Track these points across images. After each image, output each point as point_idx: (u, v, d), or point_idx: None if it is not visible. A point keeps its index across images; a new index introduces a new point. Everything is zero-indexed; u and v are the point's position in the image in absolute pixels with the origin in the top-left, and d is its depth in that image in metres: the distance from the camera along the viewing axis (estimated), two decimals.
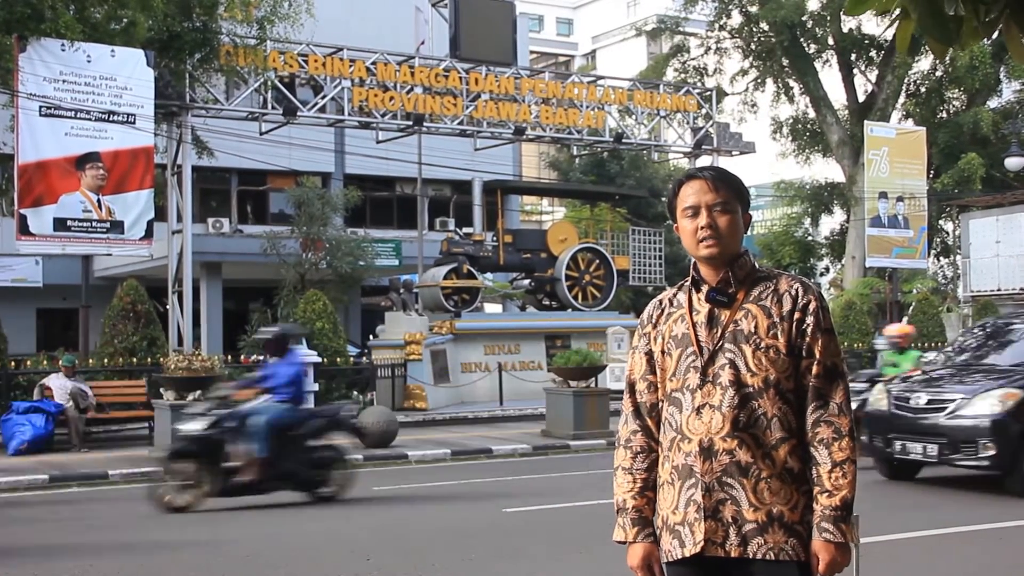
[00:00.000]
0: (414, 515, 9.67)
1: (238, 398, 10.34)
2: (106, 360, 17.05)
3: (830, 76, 32.46)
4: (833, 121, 31.37)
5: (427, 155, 24.65)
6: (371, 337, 25.70)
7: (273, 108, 21.66)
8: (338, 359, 19.06)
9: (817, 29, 31.23)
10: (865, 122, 28.44)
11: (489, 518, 9.36)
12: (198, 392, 13.61)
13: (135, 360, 17.06)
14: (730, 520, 2.79)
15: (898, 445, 10.41)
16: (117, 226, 18.22)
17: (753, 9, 31.02)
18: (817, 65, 31.93)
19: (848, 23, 31.56)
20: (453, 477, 12.34)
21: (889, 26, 26.56)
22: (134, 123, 18.31)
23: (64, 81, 17.72)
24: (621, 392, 3.25)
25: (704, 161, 26.87)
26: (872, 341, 22.71)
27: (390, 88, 22.66)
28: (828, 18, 30.65)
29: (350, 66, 22.13)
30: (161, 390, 14.15)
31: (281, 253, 23.79)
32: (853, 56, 32.10)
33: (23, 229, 17.59)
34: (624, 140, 26.07)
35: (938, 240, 34.86)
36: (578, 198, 35.22)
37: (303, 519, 9.59)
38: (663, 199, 29.43)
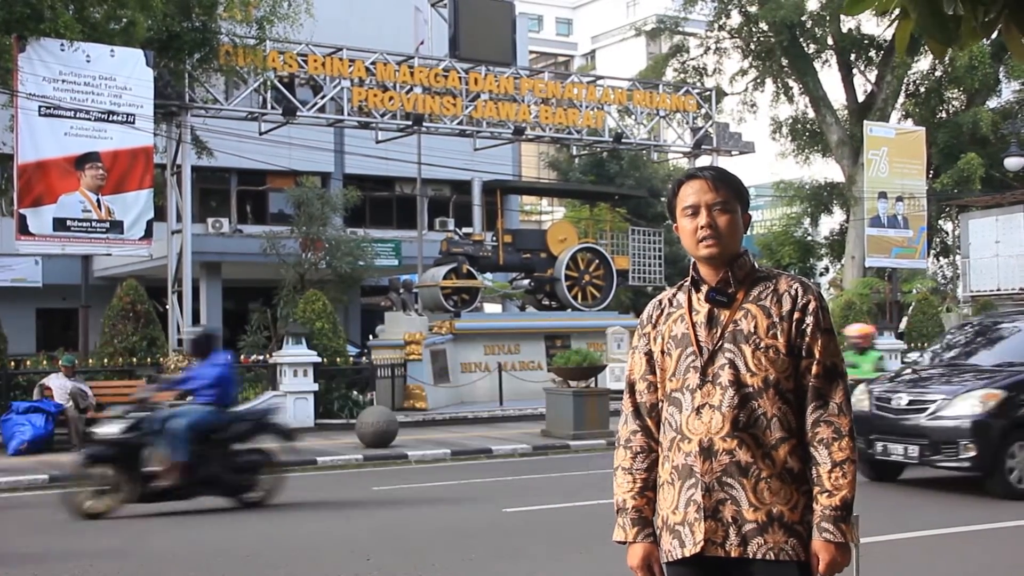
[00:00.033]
0: (414, 515, 9.67)
1: (157, 400, 10.03)
2: (106, 360, 17.05)
3: (830, 76, 32.45)
4: (832, 121, 31.36)
5: (427, 155, 24.65)
6: (371, 337, 25.72)
7: (273, 108, 21.67)
8: (338, 359, 19.06)
9: (816, 29, 31.21)
10: (864, 122, 28.44)
11: (489, 518, 9.37)
12: None
13: (135, 360, 17.06)
14: (730, 520, 2.79)
15: (879, 446, 10.36)
16: (117, 226, 18.22)
17: (752, 9, 31.00)
18: (817, 65, 31.91)
19: (847, 23, 31.55)
20: (453, 477, 12.34)
21: (888, 26, 26.57)
22: (133, 123, 18.31)
23: (63, 81, 17.72)
24: (621, 392, 3.26)
25: (703, 161, 26.88)
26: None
27: (390, 88, 22.66)
28: (827, 18, 30.64)
29: (350, 66, 22.14)
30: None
31: (281, 253, 23.79)
32: (852, 56, 32.09)
33: (23, 229, 17.60)
34: (623, 140, 26.09)
35: (938, 240, 34.85)
36: (578, 198, 35.22)
37: (303, 519, 9.59)
38: (662, 199, 29.42)
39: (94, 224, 18.03)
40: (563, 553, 7.76)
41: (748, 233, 3.24)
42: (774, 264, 32.98)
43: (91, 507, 9.51)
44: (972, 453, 9.69)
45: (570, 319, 23.73)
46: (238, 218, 31.38)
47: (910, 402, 10.29)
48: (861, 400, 10.81)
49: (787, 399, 2.85)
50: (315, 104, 22.29)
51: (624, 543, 2.97)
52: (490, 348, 22.18)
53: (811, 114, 32.93)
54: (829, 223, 37.19)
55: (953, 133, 30.96)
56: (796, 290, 2.89)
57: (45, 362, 17.69)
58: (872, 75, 32.12)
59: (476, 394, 21.31)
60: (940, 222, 33.96)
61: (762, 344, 2.84)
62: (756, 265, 2.98)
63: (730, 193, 2.94)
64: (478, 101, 23.60)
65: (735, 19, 32.18)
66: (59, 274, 26.64)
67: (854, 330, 13.21)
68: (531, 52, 48.79)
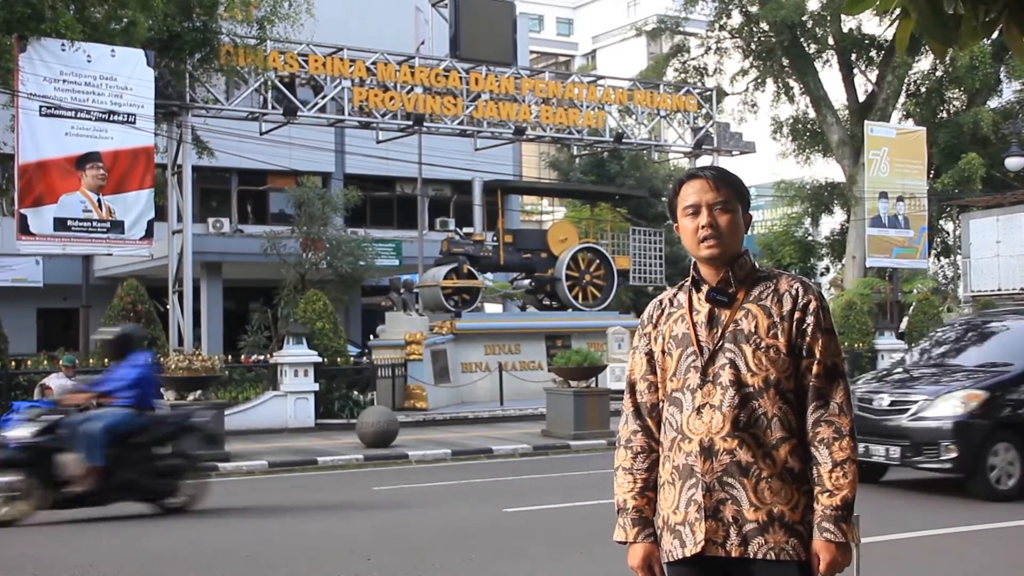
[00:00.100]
0: (414, 515, 9.66)
1: (71, 403, 9.73)
2: (106, 360, 17.03)
3: (830, 76, 32.45)
4: (833, 121, 31.36)
5: (427, 155, 24.66)
6: (371, 337, 25.72)
7: (273, 108, 21.67)
8: (338, 359, 19.06)
9: (817, 29, 31.21)
10: (865, 122, 28.44)
11: (489, 518, 9.36)
12: (199, 392, 13.62)
13: None
14: (731, 520, 2.79)
15: (861, 447, 10.26)
16: (117, 226, 18.23)
17: (753, 9, 31.00)
18: (817, 65, 31.91)
19: (848, 23, 31.55)
20: (453, 477, 12.34)
21: (889, 26, 26.58)
22: (134, 123, 18.32)
23: (64, 81, 17.73)
24: (621, 392, 3.25)
25: (704, 161, 26.88)
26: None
27: (390, 88, 22.66)
28: (828, 18, 30.64)
29: (350, 66, 22.14)
30: (161, 390, 14.12)
31: (281, 253, 23.80)
32: (853, 56, 32.09)
33: (23, 229, 17.60)
34: (624, 140, 26.08)
35: (938, 240, 34.84)
36: (578, 198, 35.22)
37: (303, 519, 9.58)
38: (663, 199, 29.45)
39: (95, 224, 18.03)
40: (563, 553, 7.76)
41: (749, 233, 3.24)
42: (775, 264, 32.98)
43: (3, 514, 9.12)
44: (953, 454, 9.62)
45: (571, 319, 23.73)
46: (239, 218, 31.39)
47: (892, 403, 10.20)
48: None
49: (788, 399, 2.84)
50: (316, 104, 22.29)
51: (625, 543, 2.97)
52: (491, 348, 22.18)
53: (812, 114, 32.93)
54: (830, 223, 37.19)
55: (954, 133, 30.96)
56: (797, 290, 2.89)
57: (46, 362, 17.68)
58: (873, 75, 32.12)
59: (477, 394, 21.31)
60: (941, 222, 33.96)
61: (763, 344, 2.84)
62: (757, 265, 2.98)
63: (731, 193, 2.94)
64: (479, 101, 23.60)
65: (736, 19, 32.18)
66: (60, 274, 26.65)
67: None
68: (532, 52, 48.80)
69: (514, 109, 24.06)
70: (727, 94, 32.60)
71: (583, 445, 15.03)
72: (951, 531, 8.45)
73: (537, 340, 22.91)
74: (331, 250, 24.22)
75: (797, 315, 2.86)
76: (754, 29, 31.57)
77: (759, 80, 33.08)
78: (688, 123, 26.92)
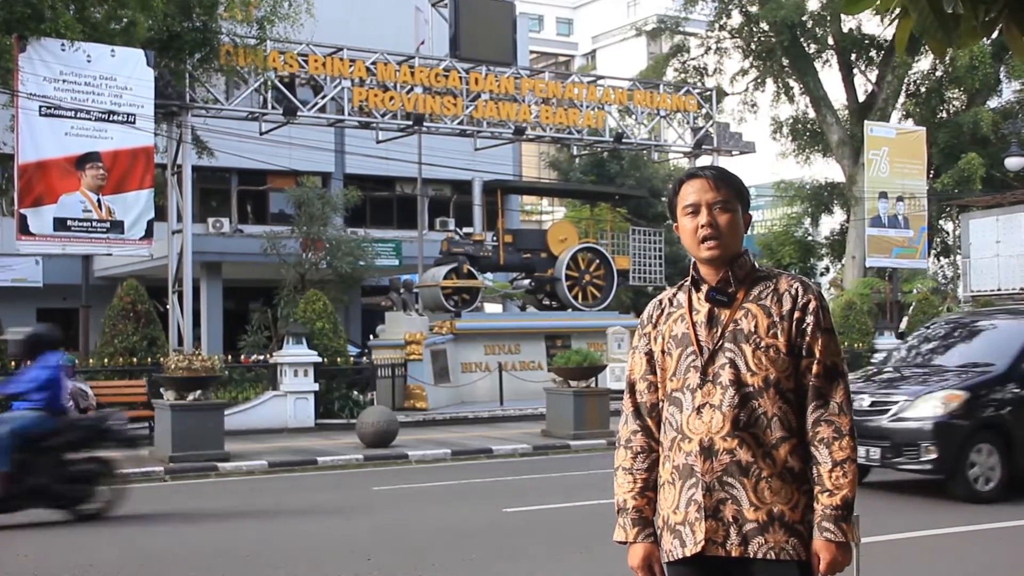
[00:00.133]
0: (414, 515, 9.66)
1: None
2: (106, 360, 17.05)
3: (830, 76, 32.46)
4: (833, 121, 31.36)
5: (427, 155, 24.65)
6: (371, 337, 25.72)
7: (273, 108, 21.67)
8: (338, 359, 19.06)
9: (817, 29, 31.22)
10: (865, 122, 28.44)
11: (489, 518, 9.36)
12: (199, 392, 13.63)
13: (135, 360, 17.07)
14: (731, 519, 2.79)
15: None
16: (117, 226, 18.23)
17: (753, 9, 31.01)
18: (817, 65, 31.92)
19: (848, 23, 31.56)
20: (453, 477, 12.34)
21: (888, 25, 26.55)
22: (134, 123, 18.32)
23: (64, 81, 17.73)
24: (621, 392, 3.25)
25: (704, 161, 26.88)
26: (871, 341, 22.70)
27: (390, 88, 22.66)
28: (828, 18, 30.65)
29: (350, 66, 22.13)
30: (161, 390, 14.15)
31: (281, 253, 23.80)
32: (853, 56, 32.10)
33: (23, 229, 17.60)
34: (624, 140, 26.08)
35: (938, 240, 34.85)
36: (578, 198, 35.22)
37: (303, 519, 9.58)
38: (663, 199, 29.45)
39: (95, 224, 18.03)
40: (563, 553, 7.76)
41: (749, 233, 3.24)
42: (775, 264, 32.98)
43: None
44: (933, 455, 9.51)
45: (570, 319, 23.73)
46: (239, 218, 31.39)
47: (872, 403, 10.09)
48: None
49: (787, 398, 2.84)
50: (315, 104, 22.29)
51: (625, 543, 2.97)
52: (490, 348, 22.18)
53: (812, 114, 32.94)
54: (830, 223, 37.21)
55: (954, 133, 30.97)
56: (796, 289, 2.89)
57: None
58: (873, 75, 32.13)
59: (476, 394, 21.31)
60: (941, 222, 33.96)
61: (762, 343, 2.84)
62: (756, 265, 2.98)
63: (731, 192, 2.94)
64: (479, 101, 23.60)
65: (736, 19, 32.19)
66: (60, 274, 26.66)
67: None
68: (532, 52, 48.80)
69: (514, 109, 24.05)
70: (727, 94, 32.61)
71: (583, 445, 15.03)
72: (951, 531, 8.45)
73: (537, 340, 22.90)
74: (331, 250, 24.22)
75: (797, 315, 2.86)
76: (754, 29, 31.58)
77: (759, 80, 33.10)
78: (688, 123, 26.92)
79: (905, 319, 27.03)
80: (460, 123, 23.50)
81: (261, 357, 20.98)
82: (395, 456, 14.22)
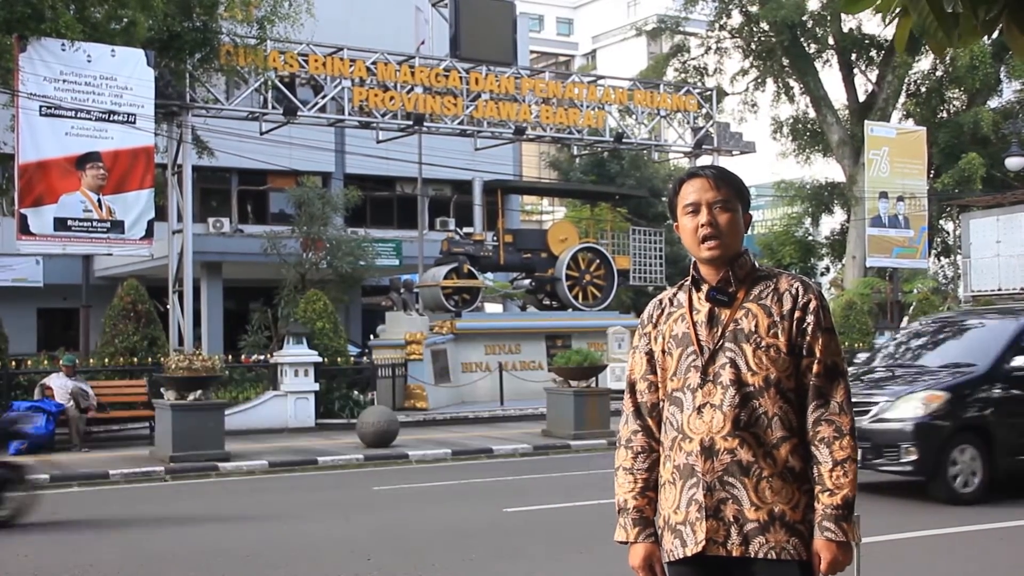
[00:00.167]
0: (414, 515, 9.66)
1: None
2: (107, 360, 17.06)
3: (830, 76, 32.46)
4: (833, 121, 31.36)
5: (427, 155, 24.65)
6: (372, 337, 25.72)
7: (273, 108, 21.67)
8: (339, 359, 19.06)
9: (817, 29, 31.23)
10: (865, 122, 28.45)
11: (489, 518, 9.36)
12: (199, 392, 13.63)
13: (135, 360, 17.07)
14: (732, 519, 2.78)
15: None
16: (117, 226, 18.23)
17: (753, 9, 31.02)
18: (817, 65, 31.93)
19: (848, 23, 31.57)
20: (454, 477, 12.34)
21: (888, 24, 26.55)
22: (134, 123, 18.31)
23: (64, 81, 17.73)
24: (622, 392, 3.25)
25: (704, 161, 26.88)
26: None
27: (390, 88, 22.66)
28: (828, 18, 30.66)
29: (350, 66, 22.13)
30: (162, 390, 14.16)
31: (281, 253, 23.80)
32: (853, 56, 32.10)
33: (23, 229, 17.60)
34: (624, 140, 26.07)
35: (938, 240, 34.85)
36: (578, 198, 35.23)
37: (303, 519, 9.58)
38: (663, 199, 29.44)
39: (95, 224, 18.03)
40: (563, 553, 7.76)
41: (749, 233, 3.24)
42: (775, 264, 32.98)
43: None
44: (914, 456, 9.40)
45: (571, 319, 23.73)
46: (239, 218, 31.39)
47: (853, 404, 10.05)
48: None
49: (788, 398, 2.84)
50: (316, 104, 22.29)
51: (625, 543, 2.97)
52: (491, 348, 22.17)
53: (812, 114, 32.95)
54: (830, 223, 37.21)
55: (954, 133, 30.97)
56: (797, 289, 2.89)
57: (46, 362, 17.70)
58: (873, 75, 32.14)
59: (477, 394, 21.30)
60: (941, 222, 33.97)
61: (763, 343, 2.84)
62: (756, 264, 2.98)
63: (731, 192, 2.94)
64: (479, 101, 23.60)
65: (736, 19, 32.20)
66: (60, 274, 26.66)
67: None
68: (532, 52, 48.79)
69: (514, 109, 24.05)
70: (727, 94, 32.61)
71: (583, 445, 15.03)
72: (951, 531, 8.44)
73: (537, 340, 22.90)
74: (331, 250, 24.23)
75: (797, 314, 2.86)
76: (754, 29, 31.58)
77: (759, 80, 33.10)
78: (688, 123, 26.92)
79: (906, 319, 27.01)
80: (460, 123, 23.50)
81: (261, 357, 20.97)
82: (395, 456, 14.22)
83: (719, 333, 2.87)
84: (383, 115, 22.71)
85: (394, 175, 30.34)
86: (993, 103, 33.25)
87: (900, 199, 27.21)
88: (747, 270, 2.94)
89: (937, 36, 2.69)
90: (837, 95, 32.17)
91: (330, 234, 24.51)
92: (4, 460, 9.37)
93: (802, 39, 30.93)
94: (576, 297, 23.87)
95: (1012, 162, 25.17)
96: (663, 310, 3.02)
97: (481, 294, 23.94)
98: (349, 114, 22.53)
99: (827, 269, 37.80)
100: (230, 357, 20.72)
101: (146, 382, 16.50)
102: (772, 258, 35.21)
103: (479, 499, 10.70)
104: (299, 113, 21.85)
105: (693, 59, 33.30)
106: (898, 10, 2.82)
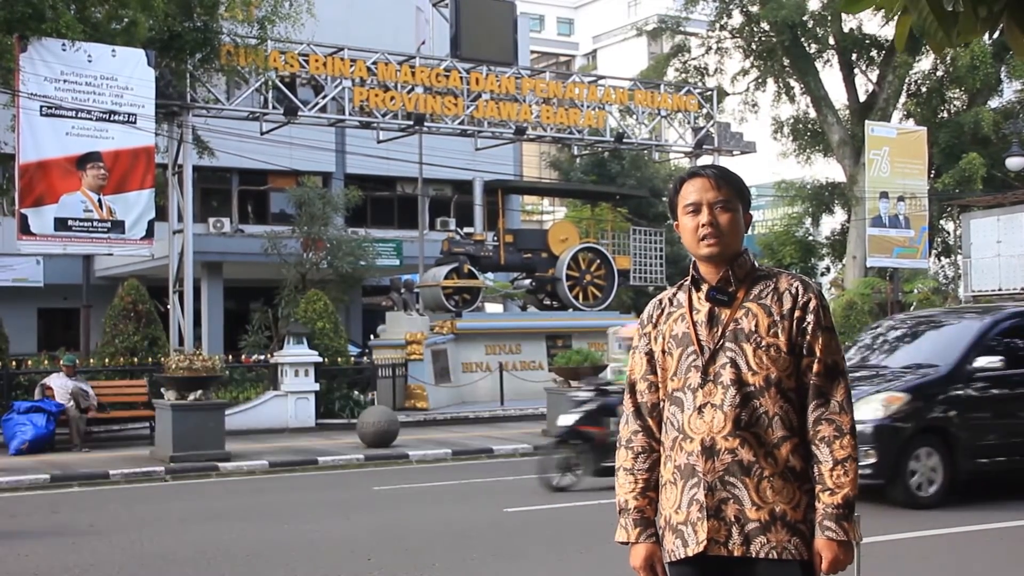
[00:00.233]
0: (414, 515, 9.66)
1: None
2: (107, 360, 17.06)
3: (831, 76, 32.44)
4: (834, 121, 31.35)
5: (428, 155, 24.65)
6: (372, 337, 25.72)
7: (274, 108, 21.66)
8: (339, 359, 19.06)
9: (818, 29, 31.20)
10: (866, 122, 28.43)
11: (489, 518, 9.36)
12: (199, 392, 13.63)
13: (136, 360, 17.07)
14: (733, 519, 2.78)
15: None
16: (118, 226, 18.23)
17: (754, 9, 31.00)
18: (818, 65, 31.90)
19: (849, 23, 31.55)
20: (454, 477, 12.34)
21: (887, 22, 26.57)
22: (135, 123, 18.31)
23: (65, 81, 17.72)
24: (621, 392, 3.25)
25: (705, 161, 26.87)
26: None
27: (391, 88, 22.66)
28: (829, 18, 30.64)
29: (351, 66, 22.13)
30: (162, 390, 14.16)
31: (282, 253, 23.80)
32: (854, 56, 32.07)
33: (24, 229, 17.60)
34: (625, 140, 26.07)
35: (939, 240, 34.82)
36: (579, 198, 35.22)
37: (303, 519, 9.58)
38: (664, 199, 29.39)
39: (95, 224, 18.03)
40: (563, 553, 7.75)
41: (749, 233, 3.24)
42: (775, 264, 32.97)
43: None
44: (872, 460, 9.05)
45: (571, 319, 23.73)
46: (239, 218, 31.39)
47: None
48: None
49: (788, 397, 2.84)
50: (316, 104, 22.28)
51: (626, 544, 2.97)
52: (491, 348, 22.18)
53: (812, 114, 32.92)
54: (830, 223, 37.18)
55: (954, 133, 30.95)
56: (797, 288, 2.89)
57: (46, 362, 17.69)
58: (873, 75, 32.12)
59: (477, 394, 21.31)
60: (941, 222, 33.94)
61: (763, 343, 2.84)
62: (756, 264, 2.98)
63: (732, 191, 2.94)
64: (479, 101, 23.60)
65: (736, 19, 32.17)
66: (60, 274, 26.66)
67: (628, 330, 13.39)
68: (532, 52, 48.77)
69: (515, 109, 24.05)
70: (728, 94, 32.58)
71: None
72: (952, 531, 8.44)
73: (538, 340, 22.90)
74: (332, 250, 24.23)
75: (797, 313, 2.86)
76: (755, 29, 31.56)
77: (760, 80, 33.08)
78: (689, 123, 26.92)
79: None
80: (461, 123, 23.49)
81: (262, 357, 20.97)
82: (396, 456, 14.22)
83: (719, 333, 2.87)
84: (383, 115, 22.70)
85: (395, 175, 30.34)
86: (994, 103, 33.22)
87: (901, 199, 27.19)
88: (747, 270, 2.94)
89: (936, 36, 2.69)
90: (838, 95, 32.15)
91: (331, 234, 24.51)
92: None
93: (803, 39, 30.91)
94: (576, 297, 23.87)
95: (1013, 162, 25.16)
96: (663, 310, 3.02)
97: (481, 294, 23.94)
98: (349, 114, 22.53)
99: (827, 269, 37.78)
100: (230, 357, 20.72)
101: (146, 382, 16.50)
102: (772, 258, 35.18)
103: (479, 499, 10.70)
104: (299, 113, 21.85)
105: (694, 59, 33.28)
106: (899, 8, 2.82)
